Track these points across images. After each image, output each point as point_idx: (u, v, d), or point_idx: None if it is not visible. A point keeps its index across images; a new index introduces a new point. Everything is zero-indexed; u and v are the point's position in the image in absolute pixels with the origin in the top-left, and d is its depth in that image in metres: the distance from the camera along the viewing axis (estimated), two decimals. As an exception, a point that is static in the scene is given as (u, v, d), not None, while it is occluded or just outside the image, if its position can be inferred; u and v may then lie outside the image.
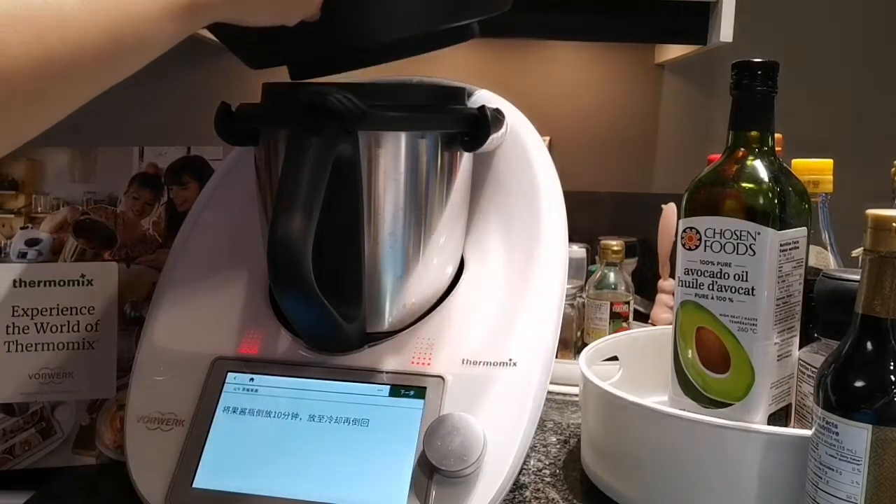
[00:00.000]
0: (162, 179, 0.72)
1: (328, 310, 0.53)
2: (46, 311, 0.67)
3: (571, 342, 0.95)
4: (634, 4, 1.01)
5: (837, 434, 0.47)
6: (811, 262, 0.63)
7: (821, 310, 0.57)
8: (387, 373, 0.58)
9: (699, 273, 0.59)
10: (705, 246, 0.59)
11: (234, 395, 0.58)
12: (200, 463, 0.56)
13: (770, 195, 0.57)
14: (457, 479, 0.53)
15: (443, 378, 0.57)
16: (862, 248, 0.48)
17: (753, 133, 0.59)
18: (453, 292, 0.62)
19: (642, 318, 1.01)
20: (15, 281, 0.67)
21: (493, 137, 0.60)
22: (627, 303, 0.94)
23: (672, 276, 0.71)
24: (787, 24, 1.24)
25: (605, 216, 1.21)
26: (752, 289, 0.57)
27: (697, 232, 0.59)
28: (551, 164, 0.66)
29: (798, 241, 0.59)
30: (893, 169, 0.69)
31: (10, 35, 0.33)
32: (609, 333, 0.89)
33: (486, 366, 0.57)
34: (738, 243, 0.57)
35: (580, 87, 1.24)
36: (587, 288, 0.96)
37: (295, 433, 0.56)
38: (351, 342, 0.59)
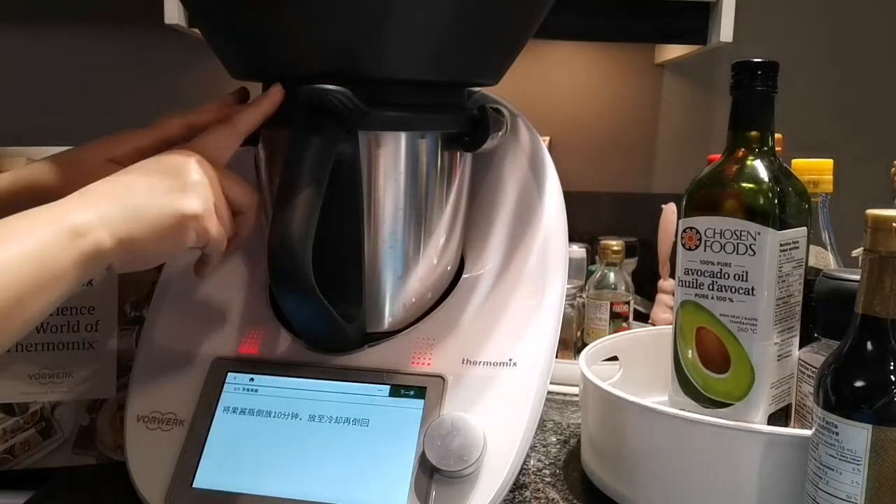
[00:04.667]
0: (162, 179, 0.72)
1: (328, 310, 0.53)
2: (46, 311, 0.67)
3: (571, 342, 0.95)
4: (634, 4, 1.01)
5: (837, 434, 0.47)
6: (811, 262, 0.63)
7: (821, 310, 0.57)
8: (387, 373, 0.58)
9: (699, 273, 0.59)
10: (705, 246, 0.59)
11: (234, 395, 0.58)
12: (200, 463, 0.56)
13: (770, 195, 0.57)
14: (457, 479, 0.53)
15: (443, 378, 0.57)
16: (862, 248, 0.48)
17: (753, 133, 0.59)
18: (453, 292, 0.62)
19: (642, 318, 1.01)
20: (15, 281, 0.67)
21: (493, 137, 0.60)
22: (627, 303, 0.94)
23: (672, 276, 0.71)
24: (787, 24, 1.24)
25: (605, 216, 1.21)
26: (752, 289, 0.57)
27: (697, 232, 0.59)
28: (551, 164, 0.66)
29: (798, 241, 0.59)
30: (893, 169, 0.69)
31: None
32: (609, 333, 0.89)
33: (486, 366, 0.57)
34: (738, 243, 0.57)
35: (580, 88, 1.24)
36: (587, 288, 0.96)
37: (295, 433, 0.56)
38: (351, 342, 0.59)
